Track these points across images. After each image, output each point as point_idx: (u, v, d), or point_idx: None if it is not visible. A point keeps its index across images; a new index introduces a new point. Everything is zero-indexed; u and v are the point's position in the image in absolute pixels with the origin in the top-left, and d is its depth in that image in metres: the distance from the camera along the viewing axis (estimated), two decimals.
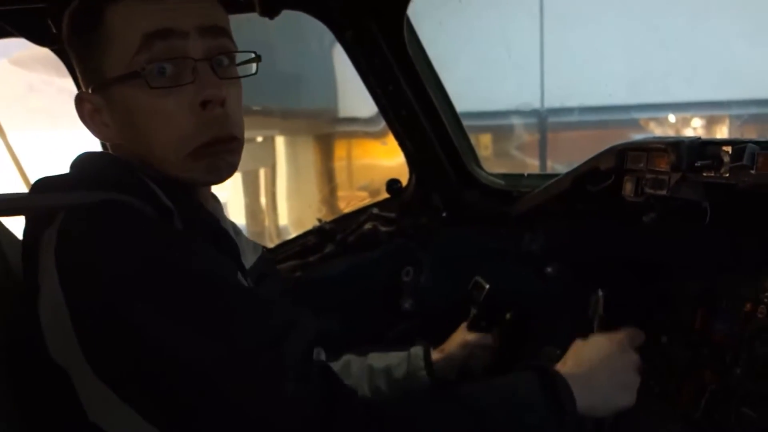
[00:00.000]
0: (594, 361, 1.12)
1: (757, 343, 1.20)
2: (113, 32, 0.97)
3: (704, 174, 1.16)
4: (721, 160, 1.12)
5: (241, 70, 1.05)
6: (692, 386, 1.30)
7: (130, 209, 0.92)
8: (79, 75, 1.05)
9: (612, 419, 1.16)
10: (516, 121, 6.37)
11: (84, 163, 1.04)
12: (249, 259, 1.16)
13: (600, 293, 1.35)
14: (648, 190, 1.30)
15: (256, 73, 1.08)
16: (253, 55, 1.07)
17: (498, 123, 6.25)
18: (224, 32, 1.02)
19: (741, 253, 1.28)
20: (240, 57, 1.05)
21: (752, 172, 1.06)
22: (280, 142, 6.45)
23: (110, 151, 1.09)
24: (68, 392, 0.87)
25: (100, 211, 0.90)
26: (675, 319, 1.41)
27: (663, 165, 1.26)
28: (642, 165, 1.33)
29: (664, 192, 1.25)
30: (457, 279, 1.75)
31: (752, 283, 1.24)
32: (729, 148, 1.11)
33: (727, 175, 1.11)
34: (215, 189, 1.15)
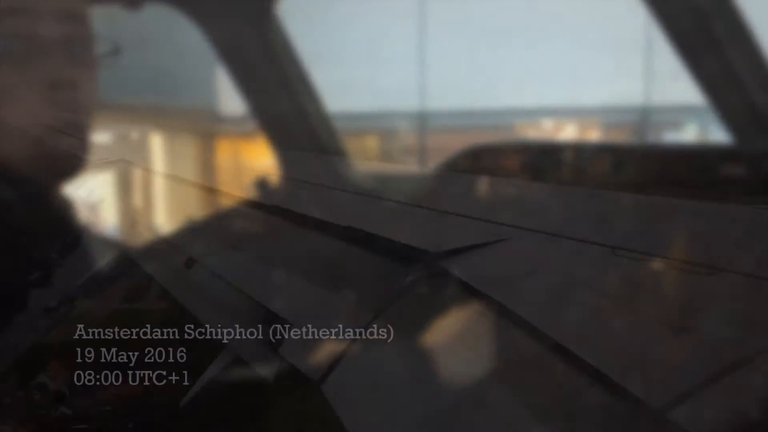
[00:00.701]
0: None
1: None
2: None
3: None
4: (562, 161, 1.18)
5: (103, 61, 1.01)
6: None
7: None
8: None
9: None
10: (399, 123, 6.45)
11: None
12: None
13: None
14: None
15: (114, 63, 1.04)
16: (111, 46, 1.02)
17: (381, 125, 6.31)
18: (83, 20, 0.98)
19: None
20: (103, 48, 1.01)
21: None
22: (156, 139, 6.24)
23: None
24: None
25: None
26: None
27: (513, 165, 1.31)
28: (496, 165, 1.39)
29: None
30: None
31: None
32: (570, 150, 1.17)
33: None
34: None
